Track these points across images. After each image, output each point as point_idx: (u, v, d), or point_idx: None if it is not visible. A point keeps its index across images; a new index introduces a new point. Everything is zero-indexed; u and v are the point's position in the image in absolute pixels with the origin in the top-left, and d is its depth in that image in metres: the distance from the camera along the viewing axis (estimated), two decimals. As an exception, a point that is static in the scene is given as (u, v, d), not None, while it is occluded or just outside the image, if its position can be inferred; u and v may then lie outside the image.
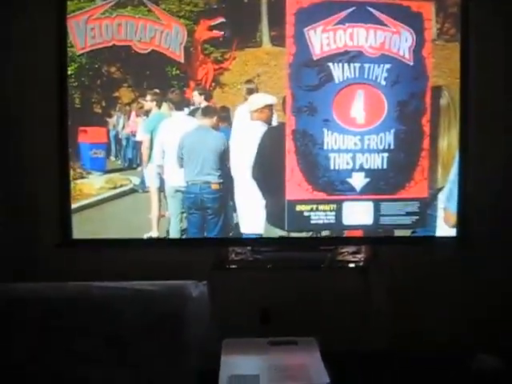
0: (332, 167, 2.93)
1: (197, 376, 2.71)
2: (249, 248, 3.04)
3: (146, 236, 2.93)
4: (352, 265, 3.04)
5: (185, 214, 2.95)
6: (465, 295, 3.05)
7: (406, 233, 3.00)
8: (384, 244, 3.01)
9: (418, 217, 2.97)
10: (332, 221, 2.95)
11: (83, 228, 2.89)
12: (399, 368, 2.95)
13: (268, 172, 2.95)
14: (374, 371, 2.92)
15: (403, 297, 2.99)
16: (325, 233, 2.98)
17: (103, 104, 2.91)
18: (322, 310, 2.98)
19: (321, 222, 2.95)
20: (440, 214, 2.98)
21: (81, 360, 2.60)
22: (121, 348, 2.64)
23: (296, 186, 2.93)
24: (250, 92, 2.91)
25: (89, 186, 2.88)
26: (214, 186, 2.96)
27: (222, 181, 2.96)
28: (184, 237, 2.97)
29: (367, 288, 3.01)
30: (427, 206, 2.97)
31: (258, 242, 3.01)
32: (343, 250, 3.06)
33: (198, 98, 2.92)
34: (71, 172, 2.89)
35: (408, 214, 2.96)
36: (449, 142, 2.97)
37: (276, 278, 2.97)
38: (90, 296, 2.64)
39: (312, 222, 2.95)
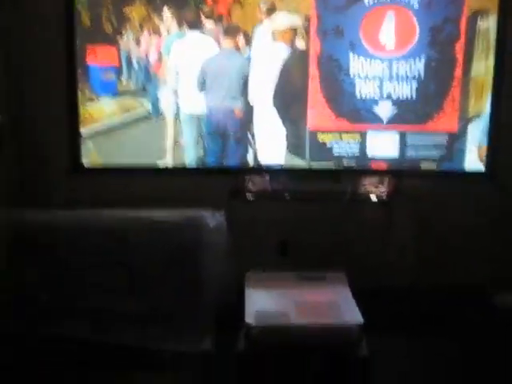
0: (358, 95, 2.76)
1: (217, 310, 2.69)
2: (268, 178, 2.92)
3: (160, 164, 2.81)
4: (374, 198, 2.93)
5: (202, 142, 2.81)
6: (492, 231, 2.94)
7: (433, 166, 2.84)
8: (409, 177, 2.88)
9: (446, 150, 2.81)
10: (355, 152, 2.81)
11: (95, 155, 2.77)
12: (423, 305, 2.90)
13: (289, 99, 2.78)
14: (397, 308, 2.87)
15: (427, 232, 2.90)
16: (347, 164, 2.84)
17: (114, 22, 2.71)
18: (342, 244, 2.89)
19: (344, 153, 2.82)
20: (470, 147, 2.83)
21: (92, 289, 2.56)
22: (133, 279, 2.58)
23: (319, 115, 2.76)
24: (271, 11, 2.71)
25: (99, 110, 2.72)
26: (238, 113, 2.81)
27: (245, 107, 2.79)
28: (201, 165, 2.85)
29: (390, 222, 2.91)
30: (456, 139, 2.81)
31: (278, 172, 2.88)
32: (365, 182, 2.94)
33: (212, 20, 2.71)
34: (80, 95, 2.73)
35: (436, 146, 2.80)
36: (483, 71, 2.79)
37: (296, 210, 2.87)
38: (102, 224, 2.56)
39: (334, 152, 2.82)
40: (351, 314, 2.01)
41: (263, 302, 2.10)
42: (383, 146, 2.81)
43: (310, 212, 2.87)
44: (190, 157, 2.82)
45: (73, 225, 2.52)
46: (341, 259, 2.86)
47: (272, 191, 2.92)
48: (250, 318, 1.97)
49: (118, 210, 2.55)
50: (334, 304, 2.10)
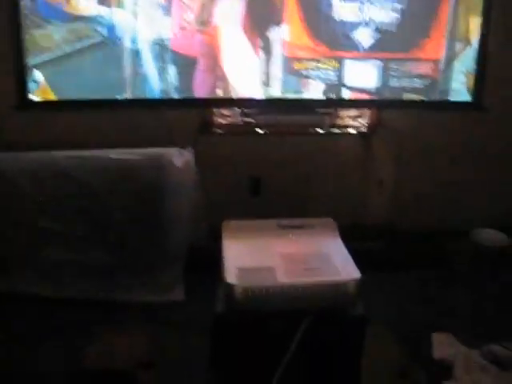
0: (336, 18, 2.50)
1: (189, 256, 2.48)
2: (239, 110, 2.69)
3: (119, 97, 2.52)
4: (353, 130, 2.74)
5: (165, 72, 2.52)
6: (476, 164, 2.78)
7: (417, 97, 2.63)
8: (391, 108, 2.67)
9: (431, 80, 2.60)
10: (334, 81, 2.57)
11: (45, 89, 2.46)
12: (400, 242, 2.80)
13: (262, 21, 2.51)
14: (374, 247, 2.77)
15: (408, 167, 2.74)
16: (325, 95, 2.62)
17: None
18: (318, 181, 2.72)
19: (321, 82, 2.57)
20: (456, 76, 2.62)
21: (50, 240, 2.36)
22: (94, 227, 2.38)
23: (295, 40, 2.51)
24: None
25: (48, 37, 2.39)
26: (206, 37, 2.50)
27: (213, 31, 2.48)
28: (165, 98, 2.56)
29: (369, 156, 2.73)
30: (442, 68, 2.59)
31: (249, 103, 2.64)
32: (344, 114, 2.74)
33: None
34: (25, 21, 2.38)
35: (420, 76, 2.59)
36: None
37: (269, 145, 2.66)
38: (56, 167, 2.30)
39: (311, 82, 2.57)
40: (346, 268, 1.76)
41: (244, 257, 1.82)
42: (364, 75, 2.58)
43: (285, 147, 2.66)
44: (153, 89, 2.53)
45: (22, 168, 2.28)
46: (314, 198, 2.74)
47: (243, 125, 2.70)
48: (230, 277, 1.68)
49: (74, 151, 2.31)
50: (325, 257, 1.84)
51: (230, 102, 2.63)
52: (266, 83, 2.55)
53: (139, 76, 2.48)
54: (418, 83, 2.58)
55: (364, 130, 2.73)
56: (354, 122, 2.73)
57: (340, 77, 2.57)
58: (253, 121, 2.68)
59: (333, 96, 2.60)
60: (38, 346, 2.10)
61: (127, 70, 2.46)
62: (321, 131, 2.69)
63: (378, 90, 2.60)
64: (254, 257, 1.82)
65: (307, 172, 2.70)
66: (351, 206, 2.77)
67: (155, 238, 2.40)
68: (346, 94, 2.61)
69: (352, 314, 1.70)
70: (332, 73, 2.56)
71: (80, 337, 2.09)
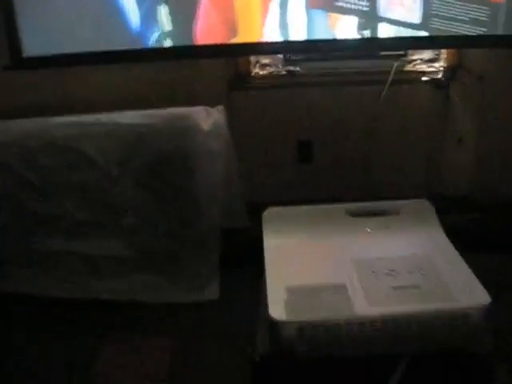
0: None
1: (223, 242, 1.96)
2: (280, 57, 2.14)
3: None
4: (426, 77, 2.16)
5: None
6: None
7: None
8: (475, 47, 2.09)
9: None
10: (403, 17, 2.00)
11: (37, 40, 1.95)
12: (479, 217, 2.24)
13: None
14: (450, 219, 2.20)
15: (495, 122, 2.16)
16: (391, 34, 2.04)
17: None
18: (383, 142, 2.17)
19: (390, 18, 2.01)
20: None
21: (50, 227, 1.90)
22: (105, 209, 1.91)
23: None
24: None
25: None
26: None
27: None
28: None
29: (446, 110, 2.17)
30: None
31: (292, 47, 2.04)
32: (415, 58, 2.17)
33: None
34: None
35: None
36: None
37: (320, 99, 2.11)
38: (52, 137, 1.82)
39: (372, 17, 2.00)
40: (465, 286, 1.16)
41: (297, 268, 1.26)
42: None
43: (340, 102, 2.11)
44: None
45: (9, 139, 1.81)
46: (377, 164, 2.21)
47: (288, 75, 2.15)
48: (275, 307, 1.12)
49: (73, 117, 1.82)
50: (426, 265, 1.24)
51: (266, 48, 2.07)
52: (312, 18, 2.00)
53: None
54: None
55: (439, 76, 2.17)
56: (428, 66, 2.16)
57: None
58: (299, 69, 2.13)
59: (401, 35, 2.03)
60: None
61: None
62: (386, 79, 2.13)
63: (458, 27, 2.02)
64: (312, 267, 1.25)
65: (369, 132, 2.15)
66: (424, 172, 2.24)
67: (181, 221, 1.91)
68: (418, 33, 2.04)
69: (475, 352, 1.13)
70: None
71: (81, 351, 1.66)
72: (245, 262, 1.95)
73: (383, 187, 2.22)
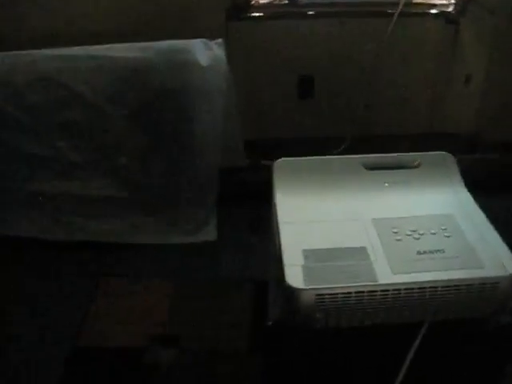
0: None
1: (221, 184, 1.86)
2: (281, -15, 2.00)
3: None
4: (436, 10, 2.04)
5: None
6: None
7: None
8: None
9: None
10: None
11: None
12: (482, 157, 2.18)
13: None
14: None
15: (504, 61, 2.04)
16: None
17: None
18: (388, 77, 2.07)
19: None
20: None
21: (40, 168, 1.80)
22: (99, 149, 1.80)
23: None
24: None
25: None
26: None
27: None
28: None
29: (455, 47, 2.06)
30: None
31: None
32: (425, -12, 2.03)
33: None
34: None
35: None
36: None
37: (324, 32, 1.98)
38: (37, 72, 1.69)
39: None
40: (492, 252, 1.09)
41: (312, 229, 1.16)
42: None
43: (345, 34, 1.99)
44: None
45: (1, 74, 1.67)
46: (387, 98, 2.12)
47: (289, 5, 2.02)
48: (292, 274, 1.04)
49: (59, 49, 1.67)
50: (450, 227, 1.16)
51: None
52: None
53: None
54: None
55: (450, 9, 2.04)
56: (439, -1, 2.04)
57: None
58: (303, -2, 2.00)
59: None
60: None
61: None
62: (393, 12, 2.01)
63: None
64: (329, 228, 1.15)
65: (374, 66, 2.03)
66: (428, 110, 2.15)
67: (178, 160, 1.82)
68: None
69: (497, 323, 1.10)
70: None
71: (78, 296, 1.61)
72: (243, 201, 1.92)
73: (386, 124, 2.15)
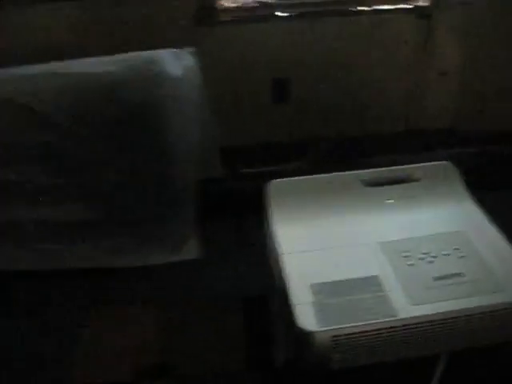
0: None
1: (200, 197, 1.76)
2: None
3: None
4: (409, 5, 1.97)
5: None
6: None
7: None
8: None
9: None
10: None
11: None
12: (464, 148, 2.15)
13: None
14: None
15: (483, 53, 2.02)
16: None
17: None
18: (362, 77, 2.01)
19: None
20: None
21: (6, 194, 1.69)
22: (67, 171, 1.70)
23: None
24: None
25: None
26: None
27: None
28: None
29: (429, 41, 2.00)
30: None
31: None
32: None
33: None
34: None
35: None
36: None
37: (295, 33, 1.91)
38: (3, 96, 1.57)
39: None
40: (508, 270, 1.03)
41: (316, 257, 1.07)
42: None
43: (316, 34, 1.92)
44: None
45: None
46: (361, 98, 2.06)
47: (259, 7, 1.93)
48: (303, 314, 0.95)
49: (19, 68, 1.57)
50: (462, 243, 1.09)
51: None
52: None
53: None
54: None
55: (423, 3, 1.99)
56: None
57: None
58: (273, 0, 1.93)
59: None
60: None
61: None
62: (365, 9, 1.95)
63: None
64: (335, 256, 1.06)
65: (347, 66, 1.98)
66: (405, 107, 2.10)
67: (152, 176, 1.74)
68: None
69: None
70: None
71: (65, 328, 1.51)
72: (224, 214, 1.85)
73: (362, 125, 2.09)
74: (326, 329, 0.94)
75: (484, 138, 2.08)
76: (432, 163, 1.29)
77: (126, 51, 1.65)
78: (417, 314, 0.97)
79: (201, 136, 1.77)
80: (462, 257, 1.09)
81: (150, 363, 1.39)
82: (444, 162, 1.29)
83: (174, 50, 1.69)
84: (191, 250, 1.77)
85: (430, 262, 1.07)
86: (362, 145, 2.08)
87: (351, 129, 2.07)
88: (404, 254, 1.09)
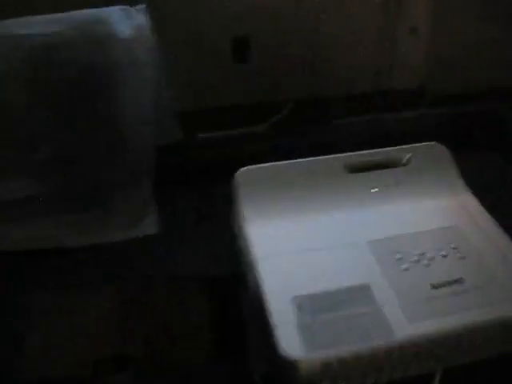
0: None
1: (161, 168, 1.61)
2: None
3: None
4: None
5: None
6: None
7: None
8: None
9: None
10: None
11: None
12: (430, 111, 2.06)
13: None
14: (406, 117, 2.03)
15: (455, 8, 1.91)
16: None
17: None
18: (326, 35, 1.87)
19: None
20: None
21: None
22: (10, 142, 1.56)
23: None
24: None
25: None
26: None
27: None
28: None
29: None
30: None
31: None
32: None
33: None
34: None
35: None
36: None
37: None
38: None
39: None
40: None
41: (298, 264, 0.94)
42: None
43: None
44: None
45: None
46: (328, 56, 1.94)
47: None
48: (286, 339, 0.82)
49: None
50: (459, 241, 0.98)
51: None
52: None
53: None
54: None
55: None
56: None
57: None
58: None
59: None
60: None
61: None
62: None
63: None
64: (317, 261, 0.92)
65: (313, 25, 1.86)
66: (374, 66, 2.00)
67: (105, 147, 1.60)
68: None
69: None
70: None
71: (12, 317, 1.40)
72: (186, 184, 1.74)
73: (330, 85, 1.98)
74: (314, 355, 0.81)
75: (455, 98, 2.00)
76: (421, 144, 1.16)
77: (70, 8, 1.50)
78: (415, 332, 0.86)
79: (156, 100, 1.64)
80: (461, 258, 0.99)
81: (107, 355, 1.30)
82: (433, 143, 1.17)
83: (124, 7, 1.55)
84: (149, 225, 1.67)
85: (426, 265, 0.96)
86: (328, 106, 1.99)
87: (318, 90, 1.96)
88: (397, 256, 0.98)
